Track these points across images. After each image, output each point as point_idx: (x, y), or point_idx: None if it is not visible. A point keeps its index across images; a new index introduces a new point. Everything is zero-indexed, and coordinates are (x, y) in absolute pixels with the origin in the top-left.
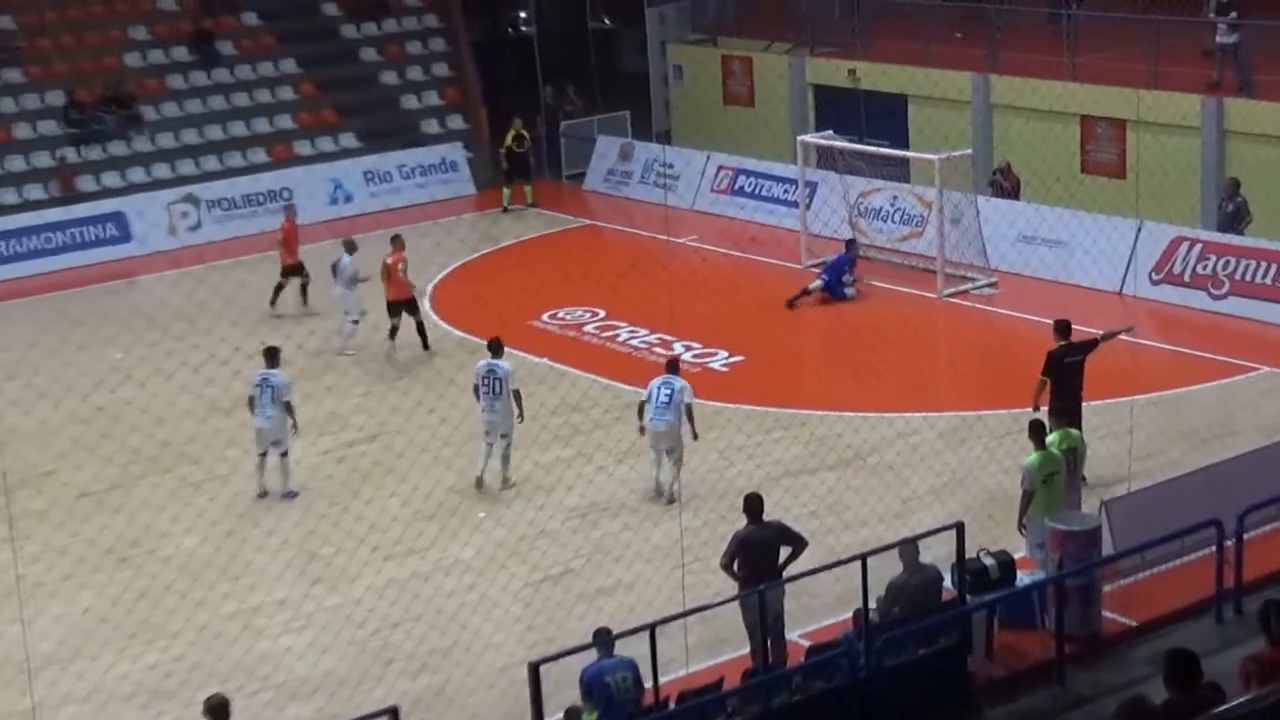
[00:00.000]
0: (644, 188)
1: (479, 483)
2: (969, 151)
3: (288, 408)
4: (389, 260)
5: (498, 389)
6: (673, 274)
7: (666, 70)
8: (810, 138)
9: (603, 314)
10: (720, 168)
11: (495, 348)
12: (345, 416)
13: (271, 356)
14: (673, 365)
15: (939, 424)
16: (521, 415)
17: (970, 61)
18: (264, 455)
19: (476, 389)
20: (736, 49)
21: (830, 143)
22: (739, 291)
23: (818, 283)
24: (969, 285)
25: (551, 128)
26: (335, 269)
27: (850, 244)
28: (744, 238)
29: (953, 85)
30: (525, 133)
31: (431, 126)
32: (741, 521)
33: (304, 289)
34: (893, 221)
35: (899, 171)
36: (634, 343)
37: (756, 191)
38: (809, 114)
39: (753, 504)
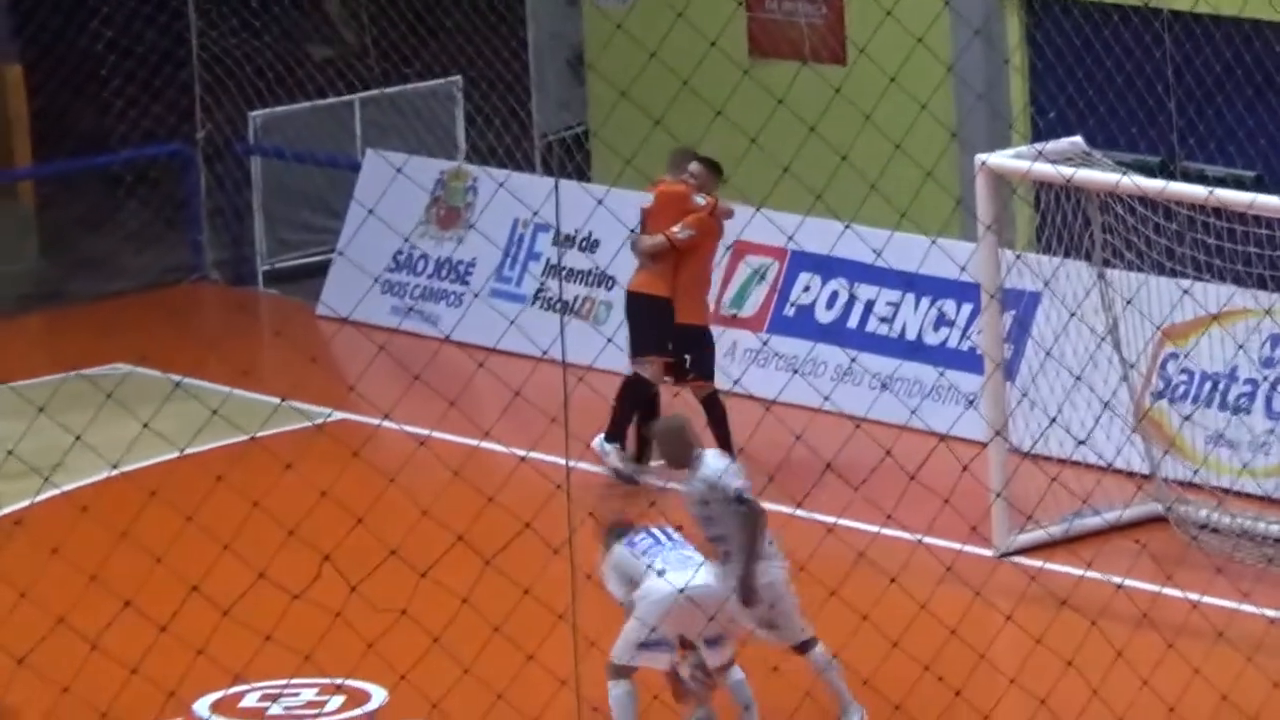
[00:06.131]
0: (506, 305)
1: None
2: None
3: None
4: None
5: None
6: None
7: None
8: (1009, 156)
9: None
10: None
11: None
12: None
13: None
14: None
15: None
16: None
17: None
18: None
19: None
20: None
21: (1082, 174)
22: None
23: None
24: None
25: (222, 136)
26: None
27: None
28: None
29: None
30: None
31: None
32: None
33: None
34: (1269, 415)
35: None
36: None
37: (853, 320)
38: (1011, 79)
39: None
